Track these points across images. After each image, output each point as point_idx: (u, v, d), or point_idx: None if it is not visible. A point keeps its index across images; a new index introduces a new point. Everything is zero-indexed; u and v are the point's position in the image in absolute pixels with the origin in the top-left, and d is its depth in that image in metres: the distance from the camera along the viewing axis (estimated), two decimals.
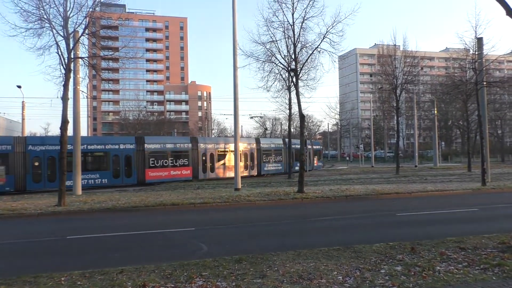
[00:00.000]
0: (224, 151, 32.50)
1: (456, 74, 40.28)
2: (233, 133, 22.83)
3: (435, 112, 45.91)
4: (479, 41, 22.90)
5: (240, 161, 28.76)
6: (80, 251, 8.87)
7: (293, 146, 33.30)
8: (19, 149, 23.61)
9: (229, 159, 32.13)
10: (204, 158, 30.99)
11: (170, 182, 28.24)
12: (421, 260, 6.76)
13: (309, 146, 42.44)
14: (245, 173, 32.51)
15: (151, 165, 28.07)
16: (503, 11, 7.93)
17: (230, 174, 30.91)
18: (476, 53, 22.97)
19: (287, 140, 35.23)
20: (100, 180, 25.86)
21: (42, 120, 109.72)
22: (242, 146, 32.69)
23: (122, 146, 27.30)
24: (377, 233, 9.99)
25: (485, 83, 23.42)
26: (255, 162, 34.43)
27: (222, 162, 32.30)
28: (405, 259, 6.82)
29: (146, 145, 28.09)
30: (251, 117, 62.68)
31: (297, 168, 27.98)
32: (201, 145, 31.06)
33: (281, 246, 8.27)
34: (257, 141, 36.30)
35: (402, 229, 10.62)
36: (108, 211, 14.70)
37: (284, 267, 6.48)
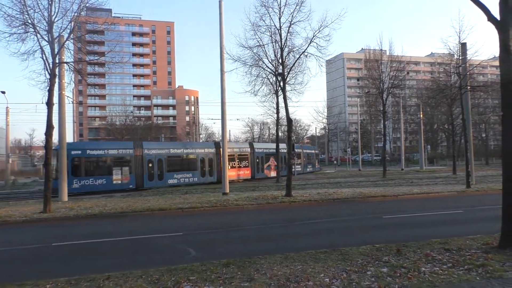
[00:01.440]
0: (270, 154, 36.84)
1: (441, 79, 40.74)
2: (220, 137, 22.83)
3: (421, 116, 46.48)
4: (463, 46, 23.32)
5: (279, 163, 33.49)
6: (66, 258, 8.76)
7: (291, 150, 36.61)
8: (138, 152, 27.64)
9: (273, 160, 37.01)
10: (257, 160, 35.93)
11: (239, 181, 32.24)
12: (407, 261, 6.85)
13: (313, 151, 49.81)
14: (281, 173, 35.65)
15: None
16: (485, 17, 8.08)
17: (273, 174, 36.24)
18: (460, 58, 23.36)
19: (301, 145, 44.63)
20: (192, 178, 30.61)
21: (27, 126, 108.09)
22: (281, 151, 36.83)
23: (206, 150, 32.02)
24: (364, 235, 10.07)
25: (469, 88, 23.82)
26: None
27: (268, 163, 37.17)
28: (391, 261, 6.90)
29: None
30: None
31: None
32: (256, 149, 35.97)
33: (268, 250, 8.27)
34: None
35: (388, 231, 10.73)
36: (94, 217, 14.56)
37: (272, 270, 6.50)
